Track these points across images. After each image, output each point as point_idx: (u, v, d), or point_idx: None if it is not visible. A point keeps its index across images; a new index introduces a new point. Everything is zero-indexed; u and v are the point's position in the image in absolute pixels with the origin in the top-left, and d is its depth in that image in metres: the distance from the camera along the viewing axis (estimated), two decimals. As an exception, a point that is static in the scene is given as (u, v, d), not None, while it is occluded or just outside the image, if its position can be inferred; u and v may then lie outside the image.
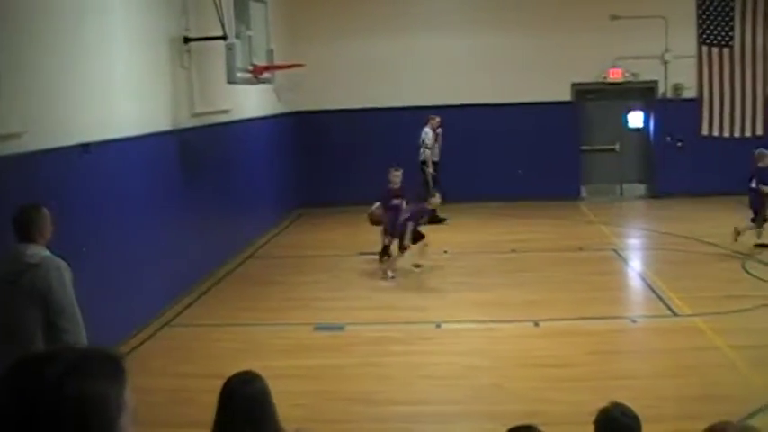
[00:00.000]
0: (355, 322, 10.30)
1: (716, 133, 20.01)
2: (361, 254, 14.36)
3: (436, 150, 17.76)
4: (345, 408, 7.66)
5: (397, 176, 13.59)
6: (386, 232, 13.22)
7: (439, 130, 17.75)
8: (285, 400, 7.30)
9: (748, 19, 19.59)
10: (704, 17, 19.67)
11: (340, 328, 10.08)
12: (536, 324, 10.00)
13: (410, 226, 12.64)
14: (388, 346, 9.33)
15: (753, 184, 13.62)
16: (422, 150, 17.62)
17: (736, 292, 11.19)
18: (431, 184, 17.20)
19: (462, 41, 19.50)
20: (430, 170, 17.52)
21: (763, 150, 13.74)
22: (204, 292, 12.12)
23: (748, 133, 19.87)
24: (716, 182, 18.96)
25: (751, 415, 6.69)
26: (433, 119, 17.74)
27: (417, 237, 12.90)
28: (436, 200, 13.45)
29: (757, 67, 19.72)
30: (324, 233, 16.93)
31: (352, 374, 8.56)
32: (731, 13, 19.60)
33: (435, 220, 16.99)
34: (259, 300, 11.71)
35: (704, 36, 19.77)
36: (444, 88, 19.38)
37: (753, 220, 13.70)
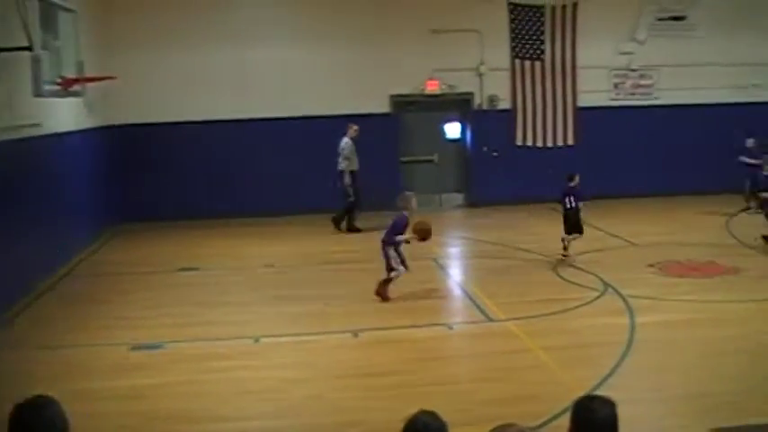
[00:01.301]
0: (175, 340, 10.09)
1: (529, 143, 20.88)
2: (182, 270, 14.14)
3: (355, 160, 17.44)
4: (167, 427, 7.51)
5: (414, 201, 12.24)
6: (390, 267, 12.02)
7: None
8: (107, 422, 7.17)
9: (557, 35, 20.57)
10: (516, 32, 20.48)
11: (159, 346, 9.87)
12: (355, 335, 10.11)
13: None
14: (208, 363, 9.20)
15: None
16: (340, 160, 17.41)
17: (549, 296, 11.70)
18: (349, 194, 17.15)
19: (282, 54, 19.54)
20: (347, 181, 17.28)
21: None
22: (16, 315, 11.56)
23: (560, 142, 20.89)
24: (530, 190, 19.76)
25: (558, 414, 6.96)
26: (351, 127, 17.44)
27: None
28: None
29: (567, 80, 20.73)
30: (143, 249, 16.53)
31: (173, 393, 8.39)
32: (542, 28, 20.52)
33: (353, 229, 17.12)
34: (76, 320, 11.26)
35: (517, 50, 20.57)
36: (263, 101, 19.38)
37: None
